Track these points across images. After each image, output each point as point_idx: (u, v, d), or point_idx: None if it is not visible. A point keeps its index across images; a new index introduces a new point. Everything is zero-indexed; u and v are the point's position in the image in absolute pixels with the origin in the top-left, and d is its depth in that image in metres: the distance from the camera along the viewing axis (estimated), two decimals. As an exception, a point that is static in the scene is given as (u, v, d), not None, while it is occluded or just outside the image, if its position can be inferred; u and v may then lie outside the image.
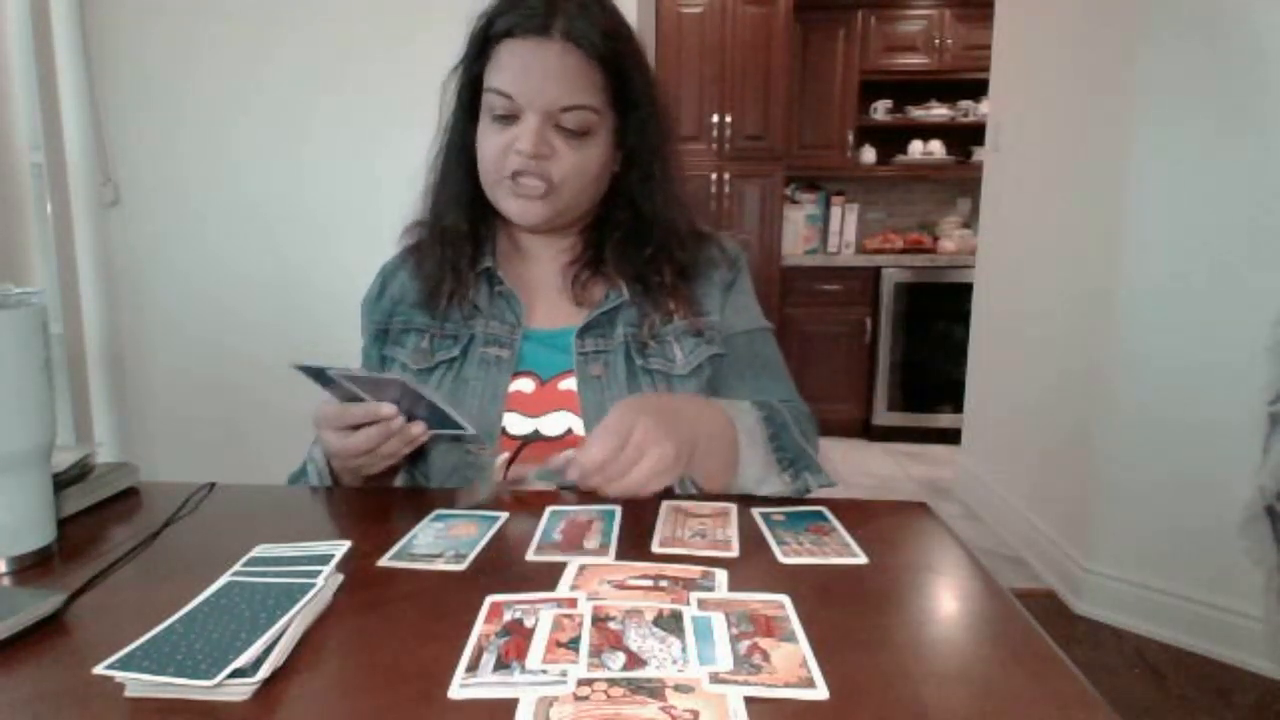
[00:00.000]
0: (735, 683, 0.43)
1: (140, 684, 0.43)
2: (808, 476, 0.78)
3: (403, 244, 0.95)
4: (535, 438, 0.83)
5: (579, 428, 0.83)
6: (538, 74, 0.78)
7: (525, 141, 0.79)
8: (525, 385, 0.85)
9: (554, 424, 0.84)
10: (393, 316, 0.91)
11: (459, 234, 0.88)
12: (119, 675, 0.42)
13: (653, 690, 0.42)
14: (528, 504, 0.74)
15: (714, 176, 3.62)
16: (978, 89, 3.56)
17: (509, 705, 0.41)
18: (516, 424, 0.84)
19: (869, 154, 4.04)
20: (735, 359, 0.90)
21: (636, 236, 0.88)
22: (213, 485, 0.79)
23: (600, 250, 0.89)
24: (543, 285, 0.91)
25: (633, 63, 0.83)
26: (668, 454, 0.67)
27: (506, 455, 0.82)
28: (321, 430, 0.72)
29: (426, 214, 0.91)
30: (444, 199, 0.89)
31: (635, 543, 0.64)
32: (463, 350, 0.86)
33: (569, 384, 0.85)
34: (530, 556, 0.62)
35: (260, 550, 0.59)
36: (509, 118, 0.80)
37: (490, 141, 0.82)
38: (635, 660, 0.45)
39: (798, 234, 4.02)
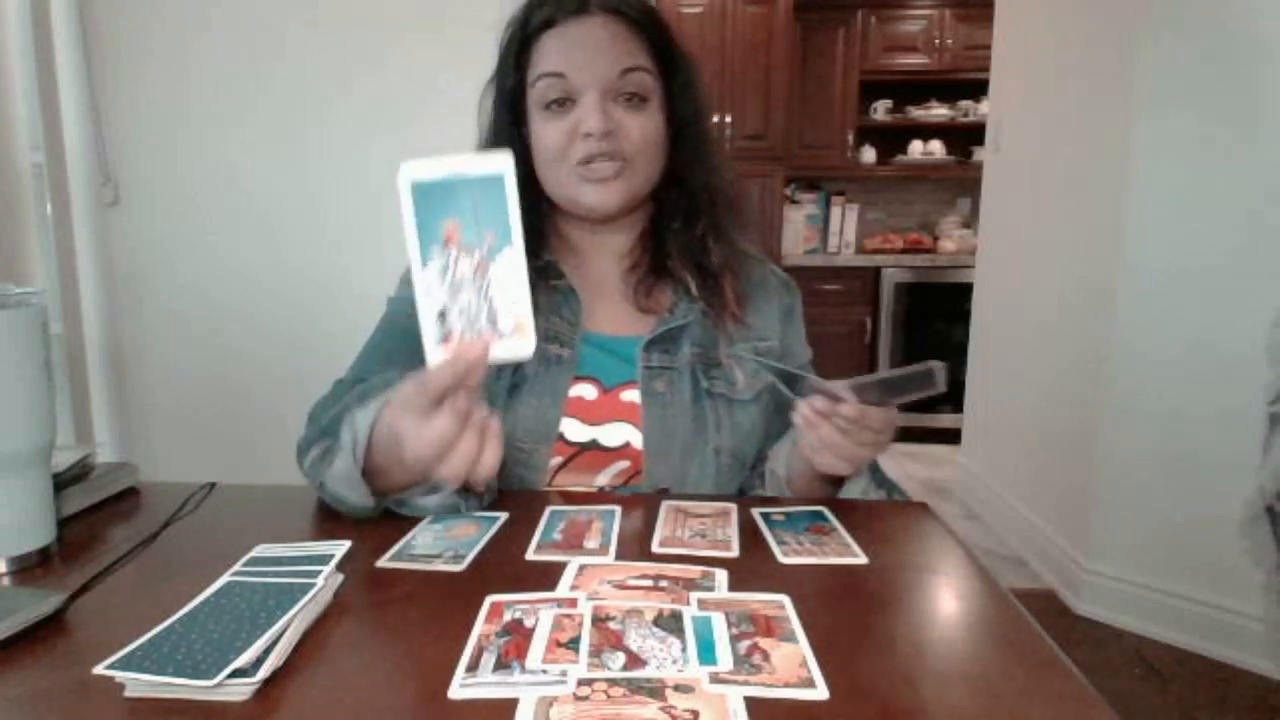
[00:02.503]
0: (735, 683, 0.43)
1: (140, 684, 0.43)
2: (896, 495, 0.79)
3: None
4: (592, 446, 0.81)
5: (637, 440, 0.81)
6: (587, 49, 0.77)
7: (592, 120, 0.77)
8: (587, 391, 0.82)
9: (613, 434, 0.81)
10: None
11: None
12: (119, 675, 0.42)
13: (653, 690, 0.42)
14: (528, 504, 0.74)
15: (714, 176, 3.62)
16: (978, 89, 3.56)
17: (509, 705, 0.41)
18: (575, 430, 0.81)
19: (869, 154, 4.04)
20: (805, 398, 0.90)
21: (689, 216, 0.87)
22: (213, 485, 0.79)
23: (660, 252, 0.88)
24: (601, 286, 0.88)
25: (667, 25, 0.83)
26: (867, 460, 0.70)
27: (559, 460, 0.81)
28: (399, 418, 0.57)
29: None
30: None
31: (635, 543, 0.64)
32: None
33: (631, 395, 0.83)
34: (530, 556, 0.62)
35: (260, 550, 0.59)
36: (563, 102, 0.78)
37: (549, 133, 0.79)
38: (635, 660, 0.45)
39: (798, 234, 4.02)
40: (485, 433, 0.55)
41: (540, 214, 0.87)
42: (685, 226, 0.87)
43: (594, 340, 0.85)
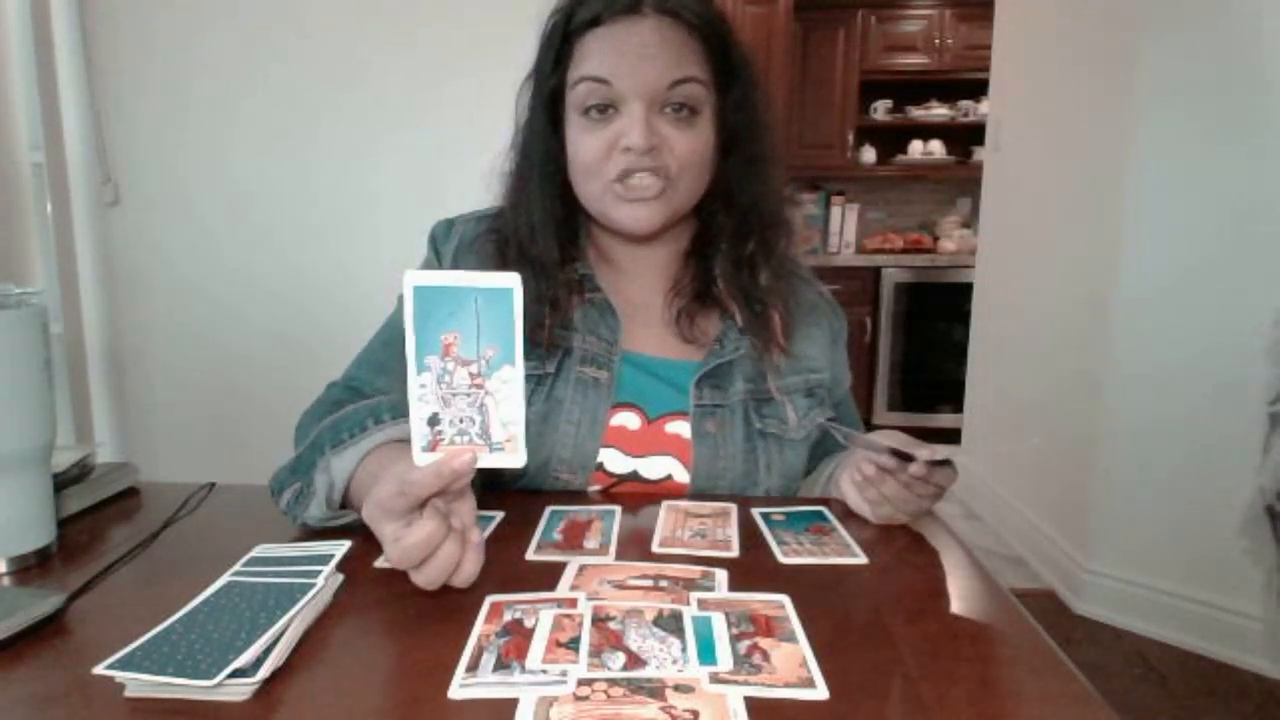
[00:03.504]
0: (735, 683, 0.43)
1: (140, 684, 0.43)
2: None
3: (474, 220, 0.85)
4: (632, 478, 0.78)
5: (680, 474, 0.78)
6: (635, 55, 0.71)
7: (635, 134, 0.71)
8: (629, 420, 0.79)
9: (655, 467, 0.78)
10: None
11: (551, 263, 0.79)
12: (119, 675, 0.42)
13: (653, 690, 0.42)
14: (527, 504, 0.74)
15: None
16: (978, 89, 3.56)
17: (509, 705, 0.41)
18: (615, 461, 0.78)
19: (869, 154, 4.04)
20: (840, 420, 0.88)
21: (736, 237, 0.81)
22: (213, 485, 0.79)
23: (705, 275, 0.83)
24: (641, 305, 0.83)
25: (728, 30, 0.77)
26: (920, 515, 0.69)
27: (597, 489, 0.79)
28: (377, 521, 0.53)
29: (509, 222, 0.81)
30: (529, 224, 0.79)
31: (635, 543, 0.64)
32: (556, 367, 0.78)
33: (676, 427, 0.79)
34: (530, 556, 0.62)
35: (260, 550, 0.59)
36: (605, 109, 0.73)
37: (587, 143, 0.74)
38: (635, 660, 0.45)
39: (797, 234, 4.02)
40: (465, 542, 0.53)
41: (575, 223, 0.82)
42: (732, 248, 0.82)
43: (635, 361, 0.81)
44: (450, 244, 0.84)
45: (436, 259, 0.84)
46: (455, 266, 0.82)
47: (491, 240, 0.82)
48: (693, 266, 0.85)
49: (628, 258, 0.85)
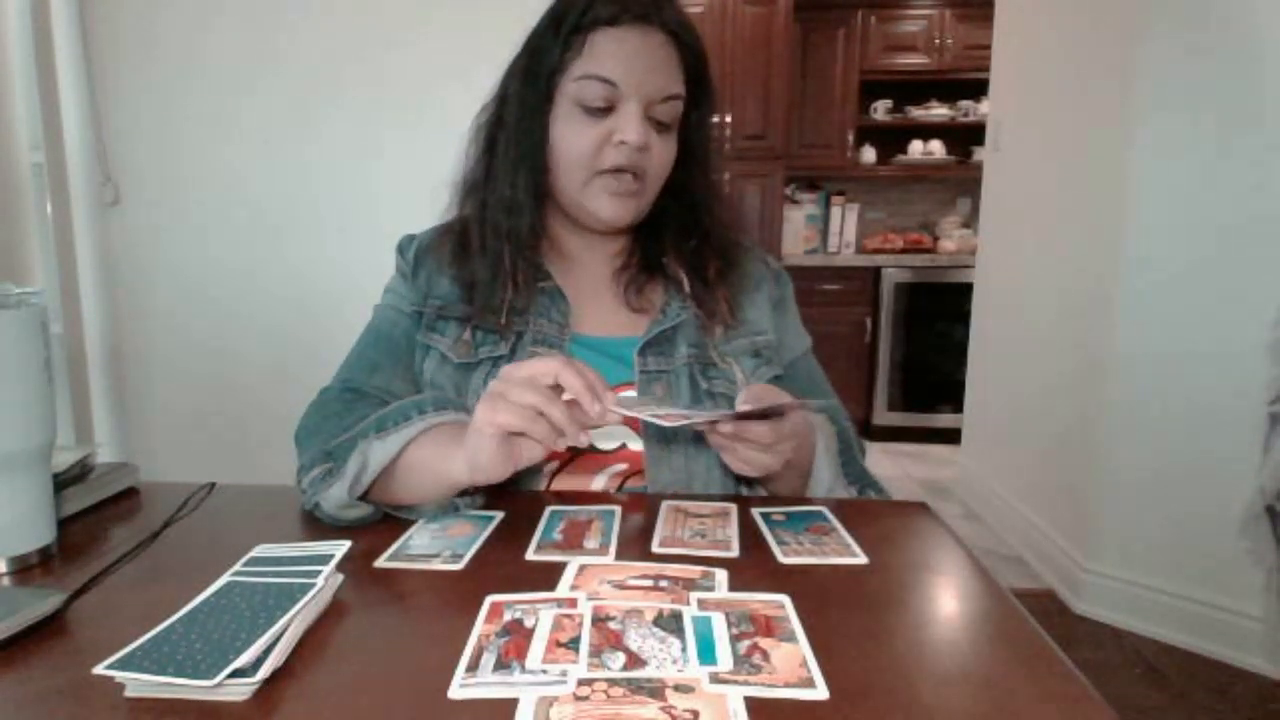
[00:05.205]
0: (735, 683, 0.43)
1: (140, 684, 0.43)
2: (870, 493, 0.80)
3: (434, 230, 0.90)
4: (588, 449, 0.80)
5: (633, 443, 0.80)
6: (644, 64, 0.76)
7: (633, 132, 0.75)
8: None
9: (609, 437, 0.81)
10: (427, 299, 0.85)
11: (523, 239, 0.82)
12: (119, 675, 0.42)
13: (653, 690, 0.42)
14: (526, 504, 0.74)
15: (714, 176, 3.62)
16: (978, 89, 3.56)
17: (509, 705, 0.41)
18: None
19: (869, 154, 4.04)
20: (796, 382, 0.89)
21: (684, 228, 0.87)
22: (213, 485, 0.79)
23: (654, 251, 0.87)
24: (591, 290, 0.87)
25: (708, 62, 0.82)
26: (772, 467, 0.70)
27: (555, 465, 0.80)
28: (512, 383, 0.63)
29: (470, 210, 0.85)
30: (507, 199, 0.82)
31: (635, 543, 0.64)
32: (510, 349, 0.82)
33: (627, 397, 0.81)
34: (530, 556, 0.62)
35: (260, 550, 0.59)
36: (604, 110, 0.77)
37: (582, 135, 0.77)
38: (635, 660, 0.45)
39: (798, 234, 4.02)
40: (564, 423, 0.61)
41: (539, 215, 0.85)
42: (678, 238, 0.87)
43: (584, 342, 0.84)
44: (411, 250, 0.89)
45: (405, 263, 0.89)
46: (418, 266, 0.87)
47: (450, 239, 0.87)
48: (641, 242, 0.89)
49: (580, 248, 0.89)
